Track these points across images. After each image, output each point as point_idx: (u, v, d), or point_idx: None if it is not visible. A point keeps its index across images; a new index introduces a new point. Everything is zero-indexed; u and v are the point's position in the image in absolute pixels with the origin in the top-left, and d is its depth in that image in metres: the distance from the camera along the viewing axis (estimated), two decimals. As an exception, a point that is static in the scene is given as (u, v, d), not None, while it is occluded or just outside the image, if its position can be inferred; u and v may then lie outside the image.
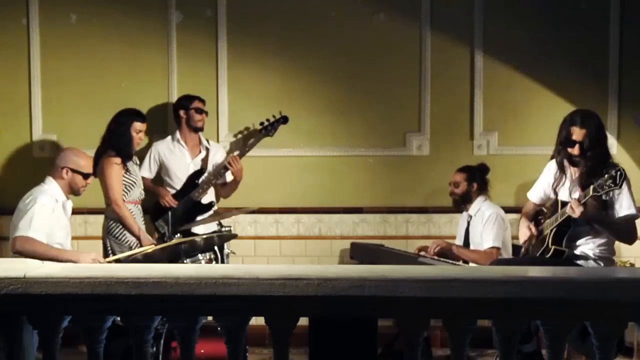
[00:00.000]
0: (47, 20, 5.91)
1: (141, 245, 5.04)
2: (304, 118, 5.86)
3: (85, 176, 4.50)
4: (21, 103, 5.95)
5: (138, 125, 5.25)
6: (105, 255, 5.11)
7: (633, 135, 5.81)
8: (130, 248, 5.07)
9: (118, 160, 5.15)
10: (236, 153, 5.60)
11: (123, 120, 5.24)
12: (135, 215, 5.21)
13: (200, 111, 5.59)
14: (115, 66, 5.93)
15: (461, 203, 5.31)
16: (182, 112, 5.59)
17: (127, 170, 5.22)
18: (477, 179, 5.27)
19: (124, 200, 5.17)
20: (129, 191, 5.23)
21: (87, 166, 4.52)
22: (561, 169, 4.40)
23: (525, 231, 4.50)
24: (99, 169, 5.15)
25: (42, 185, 4.44)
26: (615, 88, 5.81)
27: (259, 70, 5.92)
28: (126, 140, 5.19)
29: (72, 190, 4.52)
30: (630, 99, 5.82)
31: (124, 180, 5.20)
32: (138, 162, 5.44)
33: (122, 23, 5.91)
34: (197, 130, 5.61)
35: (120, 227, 5.17)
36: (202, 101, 5.63)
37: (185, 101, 5.61)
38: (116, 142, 5.19)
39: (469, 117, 5.90)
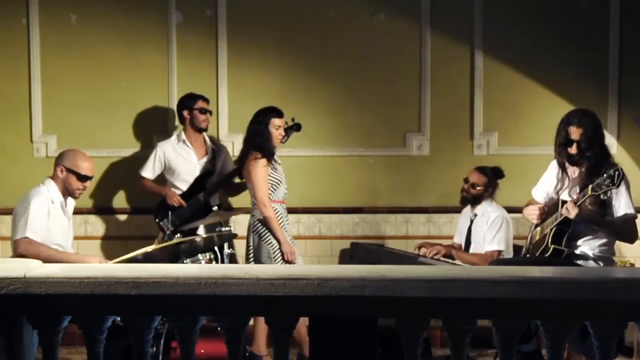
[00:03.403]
0: (47, 20, 5.91)
1: (281, 250, 5.05)
2: (304, 118, 5.84)
3: (82, 178, 4.37)
4: (21, 103, 5.95)
5: (277, 121, 5.17)
6: (247, 251, 5.17)
7: (633, 135, 5.81)
8: (272, 247, 5.07)
9: (264, 161, 5.08)
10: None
11: (261, 118, 5.16)
12: (281, 215, 5.16)
13: (204, 111, 5.55)
14: (115, 66, 5.93)
15: (469, 202, 5.29)
16: (185, 113, 5.55)
17: (272, 169, 5.16)
18: (494, 185, 5.26)
19: (270, 200, 5.09)
20: (275, 190, 5.14)
21: (84, 168, 4.38)
22: (562, 169, 4.40)
23: (533, 209, 4.50)
24: (244, 171, 5.15)
25: (39, 187, 4.40)
26: (615, 88, 5.82)
27: (259, 70, 5.93)
28: (265, 138, 5.12)
29: (68, 191, 4.40)
30: (630, 99, 5.82)
31: (270, 179, 5.12)
32: (280, 162, 5.30)
33: (122, 23, 5.91)
34: (201, 130, 5.58)
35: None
36: (206, 100, 5.59)
37: (189, 101, 5.55)
38: (257, 142, 5.11)
39: (469, 117, 5.90)
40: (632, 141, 5.84)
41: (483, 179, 5.23)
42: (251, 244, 5.17)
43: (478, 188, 5.22)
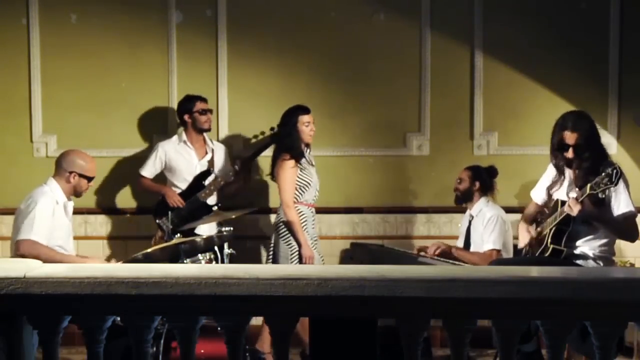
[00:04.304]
0: (47, 20, 5.91)
1: (301, 253, 5.04)
2: (304, 118, 5.86)
3: (90, 179, 4.54)
4: (21, 103, 5.95)
5: (305, 118, 5.16)
6: (268, 250, 5.19)
7: (633, 135, 5.81)
8: (291, 249, 5.08)
9: (292, 162, 5.08)
10: (246, 156, 5.63)
11: (287, 119, 5.16)
12: (306, 218, 5.16)
13: (204, 112, 5.54)
14: (115, 66, 5.93)
15: (462, 200, 5.30)
16: (186, 117, 5.53)
17: (302, 170, 5.14)
18: (482, 178, 5.25)
19: (296, 202, 5.10)
20: (304, 192, 5.15)
21: (92, 170, 4.55)
22: (560, 172, 4.39)
23: (524, 234, 4.51)
24: (275, 172, 5.17)
25: (42, 187, 4.44)
26: (615, 88, 5.81)
27: (259, 70, 5.93)
28: (293, 139, 5.12)
29: (76, 193, 4.56)
30: (630, 99, 5.82)
31: (298, 181, 5.12)
32: (314, 163, 5.30)
33: (122, 23, 5.91)
34: (204, 131, 5.58)
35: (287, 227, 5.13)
36: (204, 100, 5.57)
37: (187, 104, 5.53)
38: (287, 143, 5.13)
39: (469, 117, 5.90)
40: (632, 141, 5.84)
41: (467, 173, 5.26)
42: (272, 243, 5.20)
43: (463, 183, 5.25)
